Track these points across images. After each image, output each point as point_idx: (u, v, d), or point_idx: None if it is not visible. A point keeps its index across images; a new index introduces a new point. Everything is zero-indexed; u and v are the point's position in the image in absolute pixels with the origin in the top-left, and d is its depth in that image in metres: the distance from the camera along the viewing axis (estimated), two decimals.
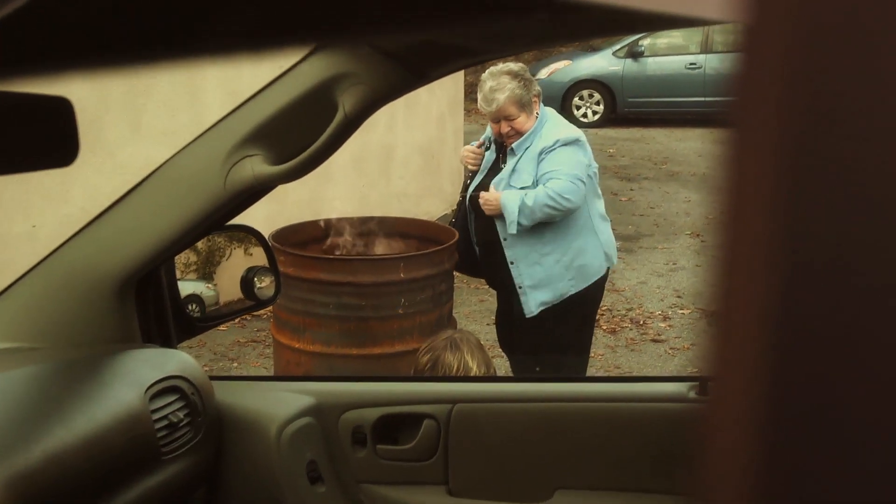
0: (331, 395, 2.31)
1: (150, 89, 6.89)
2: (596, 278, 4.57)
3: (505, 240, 4.41)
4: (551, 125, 4.47)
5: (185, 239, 2.06)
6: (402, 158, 9.48)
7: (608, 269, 4.65)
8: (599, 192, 4.65)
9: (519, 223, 4.30)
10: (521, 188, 4.35)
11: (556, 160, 4.36)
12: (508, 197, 4.33)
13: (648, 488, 2.15)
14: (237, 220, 2.23)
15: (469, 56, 1.83)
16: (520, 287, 4.46)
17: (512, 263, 4.44)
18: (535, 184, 4.34)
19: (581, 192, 4.36)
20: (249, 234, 2.54)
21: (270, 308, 6.50)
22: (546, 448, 2.21)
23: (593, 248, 4.53)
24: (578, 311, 4.60)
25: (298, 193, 7.70)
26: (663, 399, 2.21)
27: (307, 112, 1.89)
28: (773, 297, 0.46)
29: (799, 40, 0.44)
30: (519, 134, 4.41)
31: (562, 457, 2.20)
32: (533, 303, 4.47)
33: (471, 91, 14.64)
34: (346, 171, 8.62)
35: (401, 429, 2.28)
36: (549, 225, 4.38)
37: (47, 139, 1.28)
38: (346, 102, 1.83)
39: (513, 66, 4.47)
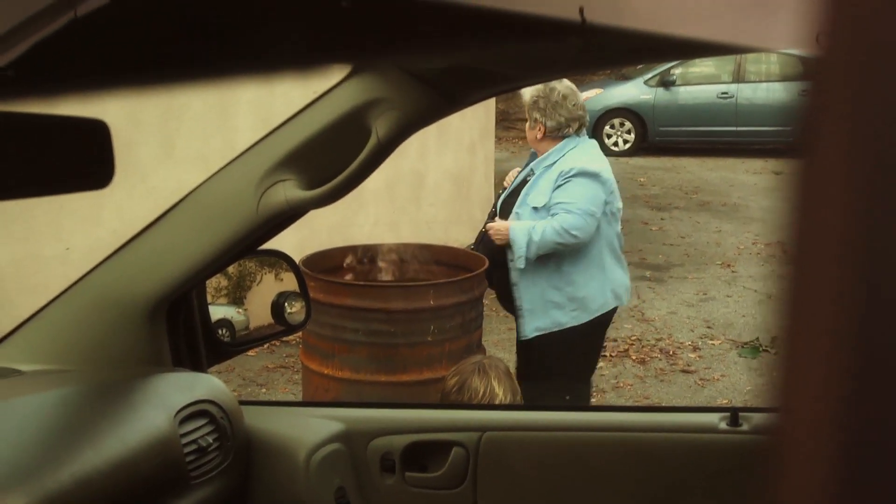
0: (360, 421, 2.30)
1: (182, 113, 6.94)
2: (598, 314, 4.53)
3: (511, 261, 4.45)
4: (578, 152, 4.47)
5: (217, 263, 2.06)
6: (432, 185, 9.50)
7: (615, 307, 4.63)
8: (619, 230, 4.61)
9: (526, 258, 4.35)
10: (534, 207, 4.40)
11: (572, 192, 4.36)
12: (517, 231, 4.36)
13: None
14: (269, 244, 2.24)
15: (502, 82, 1.83)
16: (519, 308, 4.51)
17: (514, 285, 4.48)
18: (547, 206, 4.36)
19: (591, 227, 4.37)
20: (280, 259, 2.55)
21: (300, 333, 6.51)
22: (575, 477, 2.19)
23: (598, 283, 4.51)
24: (578, 344, 4.55)
25: (329, 219, 7.71)
26: (694, 430, 2.19)
27: (340, 137, 1.89)
28: (850, 323, 0.44)
29: (870, 69, 0.43)
30: (533, 143, 4.57)
31: (590, 487, 2.19)
32: (528, 326, 4.50)
33: (502, 118, 14.69)
34: (377, 197, 8.64)
35: (430, 456, 2.27)
36: (555, 253, 4.41)
37: (83, 161, 1.28)
38: (379, 127, 1.83)
39: (564, 81, 4.49)
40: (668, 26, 0.99)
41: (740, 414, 2.14)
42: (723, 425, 2.13)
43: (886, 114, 0.43)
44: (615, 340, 7.48)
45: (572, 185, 4.37)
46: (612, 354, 7.24)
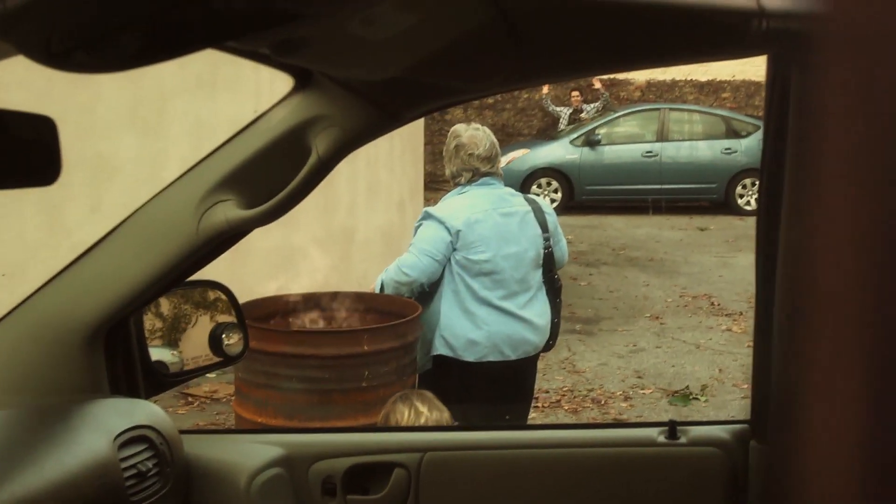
0: (300, 445, 2.29)
1: (113, 174, 6.91)
2: (466, 357, 4.49)
3: None
4: (451, 199, 4.56)
5: (157, 286, 2.05)
6: (363, 241, 9.51)
7: (493, 361, 4.50)
8: (499, 279, 4.48)
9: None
10: None
11: (417, 233, 4.50)
12: (382, 274, 4.57)
13: None
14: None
15: (442, 96, 1.86)
16: None
17: None
18: None
19: (427, 267, 4.42)
20: (218, 290, 2.54)
21: (232, 385, 6.45)
22: (516, 494, 2.20)
23: (461, 327, 4.48)
24: (454, 376, 4.53)
25: (260, 274, 7.69)
26: (633, 444, 2.21)
27: (280, 156, 1.90)
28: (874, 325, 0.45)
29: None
30: None
31: (532, 503, 2.20)
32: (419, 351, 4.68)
33: (430, 180, 14.79)
34: (308, 254, 8.63)
35: (371, 478, 2.26)
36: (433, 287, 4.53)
37: (30, 157, 1.28)
38: (319, 145, 1.84)
39: (470, 132, 4.55)
40: None
41: (678, 427, 2.17)
42: (661, 438, 2.16)
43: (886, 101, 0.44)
44: (547, 392, 7.51)
45: (419, 228, 4.51)
46: (545, 405, 7.26)
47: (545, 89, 20.11)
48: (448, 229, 4.40)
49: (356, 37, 1.43)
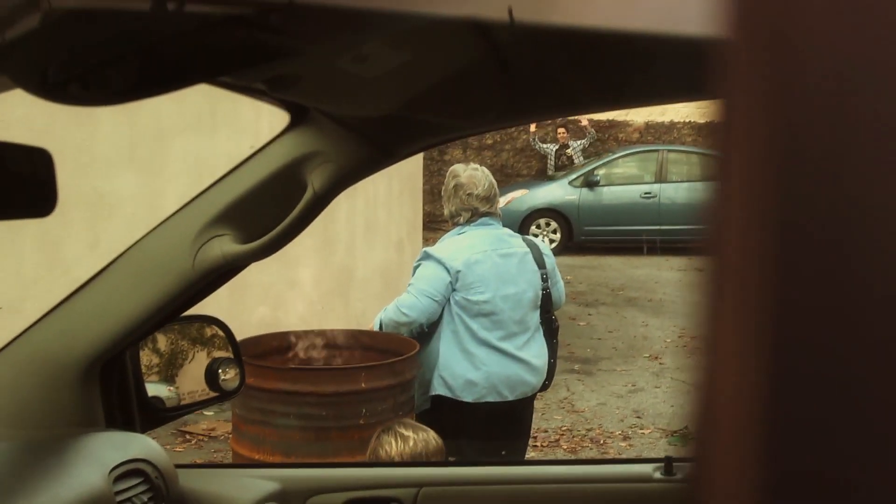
0: (296, 480, 2.29)
1: (111, 212, 6.94)
2: (465, 398, 4.50)
3: None
4: (451, 238, 4.58)
5: (153, 321, 2.06)
6: (361, 280, 9.53)
7: (491, 401, 4.49)
8: (497, 320, 4.49)
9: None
10: None
11: (416, 273, 4.52)
12: (381, 314, 4.62)
13: None
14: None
15: (435, 133, 1.88)
16: None
17: None
18: None
19: (426, 307, 4.43)
20: (215, 326, 2.55)
21: (229, 424, 6.44)
22: None
23: (460, 368, 4.49)
24: (452, 416, 4.52)
25: (257, 313, 7.70)
26: (629, 480, 2.21)
27: (276, 191, 1.92)
28: (767, 327, 0.46)
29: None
30: None
31: None
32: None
33: (429, 220, 14.83)
34: (306, 291, 8.64)
35: None
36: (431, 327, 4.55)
37: (26, 189, 1.30)
38: (314, 181, 1.86)
39: (469, 172, 4.57)
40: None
41: (674, 463, 2.17)
42: (657, 475, 2.16)
43: (794, 104, 0.45)
44: (546, 431, 7.50)
45: (419, 268, 4.52)
46: (544, 444, 7.25)
47: (533, 128, 20.16)
48: (448, 270, 4.40)
49: (349, 73, 1.45)
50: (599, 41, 1.34)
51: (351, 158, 1.85)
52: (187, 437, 7.21)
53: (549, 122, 19.99)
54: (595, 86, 1.68)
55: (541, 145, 19.95)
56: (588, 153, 19.69)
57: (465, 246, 4.48)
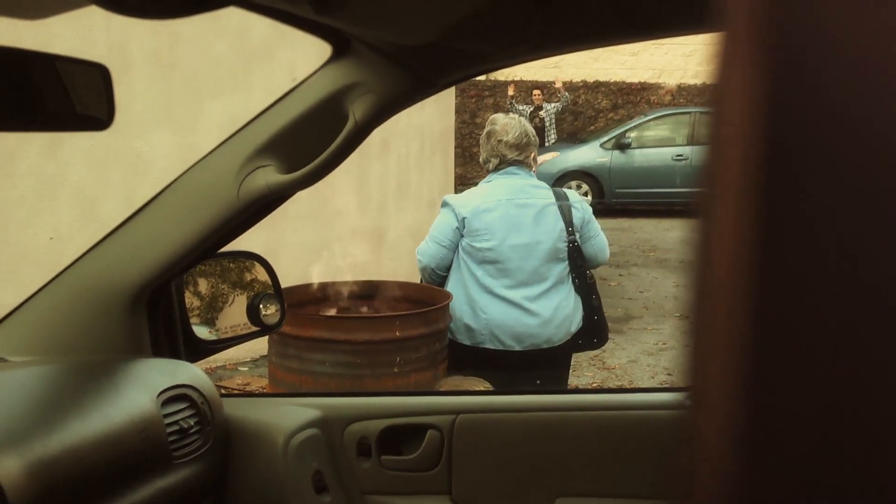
0: (336, 408, 2.35)
1: (148, 169, 7.01)
2: (463, 341, 4.62)
3: None
4: (479, 187, 4.65)
5: (198, 251, 2.11)
6: (393, 240, 9.59)
7: (492, 349, 4.55)
8: (504, 269, 4.52)
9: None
10: None
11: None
12: None
13: (646, 494, 2.20)
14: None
15: (474, 63, 1.92)
16: None
17: None
18: None
19: (434, 252, 4.60)
20: (255, 261, 2.61)
21: (263, 383, 6.51)
22: (547, 457, 2.25)
23: (461, 312, 4.60)
24: (459, 358, 4.67)
25: (288, 271, 7.77)
26: (659, 407, 2.26)
27: (318, 122, 1.96)
28: (749, 297, 0.48)
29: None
30: None
31: (562, 465, 2.24)
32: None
33: (460, 182, 14.85)
34: (339, 251, 8.71)
35: (405, 440, 2.32)
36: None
37: (85, 102, 1.35)
38: (356, 111, 1.90)
39: (503, 119, 4.61)
40: None
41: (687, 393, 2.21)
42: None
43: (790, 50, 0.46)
44: (577, 387, 7.55)
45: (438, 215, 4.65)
46: None
47: (511, 91, 19.85)
48: (455, 216, 4.49)
49: None
50: None
51: (392, 89, 1.90)
52: (222, 391, 7.28)
53: (528, 86, 19.89)
54: (628, 14, 1.72)
55: (516, 107, 19.44)
56: (561, 118, 19.41)
57: (480, 193, 4.55)
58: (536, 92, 19.33)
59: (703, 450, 0.51)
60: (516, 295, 4.51)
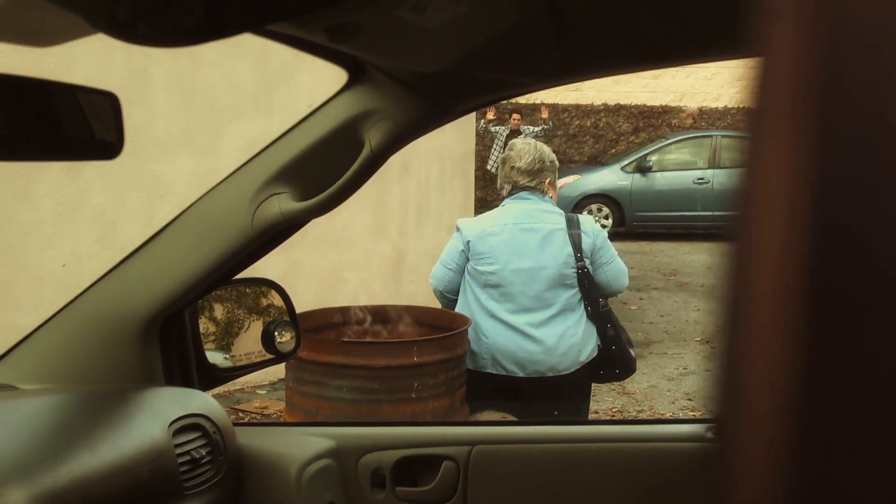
0: (350, 438, 2.32)
1: (167, 192, 7.03)
2: (482, 368, 4.57)
3: None
4: (491, 211, 4.66)
5: (212, 278, 2.09)
6: (412, 263, 9.57)
7: (495, 374, 4.52)
8: (507, 293, 4.48)
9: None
10: None
11: None
12: None
13: None
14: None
15: (492, 91, 1.90)
16: None
17: None
18: None
19: (441, 276, 4.65)
20: (270, 288, 2.59)
21: (281, 406, 6.49)
22: (564, 489, 2.21)
23: (472, 336, 4.58)
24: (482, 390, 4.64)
25: (308, 294, 7.75)
26: (680, 439, 2.22)
27: (334, 149, 1.94)
28: (796, 315, 0.46)
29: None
30: None
31: (580, 497, 2.21)
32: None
33: (480, 205, 14.85)
34: (358, 273, 8.70)
35: (420, 471, 2.29)
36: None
37: (93, 131, 1.33)
38: (372, 138, 1.88)
39: (519, 146, 4.62)
40: None
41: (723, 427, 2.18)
42: (709, 434, 2.17)
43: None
44: (597, 412, 7.50)
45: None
46: None
47: (490, 114, 19.47)
48: (462, 239, 4.52)
49: (408, 24, 1.47)
50: None
51: (408, 116, 1.87)
52: (240, 414, 7.29)
53: (506, 110, 19.83)
54: (653, 40, 1.69)
55: (491, 129, 18.92)
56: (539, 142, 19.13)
57: (488, 217, 4.57)
58: (516, 115, 18.98)
59: (745, 483, 0.48)
60: (518, 320, 4.46)
